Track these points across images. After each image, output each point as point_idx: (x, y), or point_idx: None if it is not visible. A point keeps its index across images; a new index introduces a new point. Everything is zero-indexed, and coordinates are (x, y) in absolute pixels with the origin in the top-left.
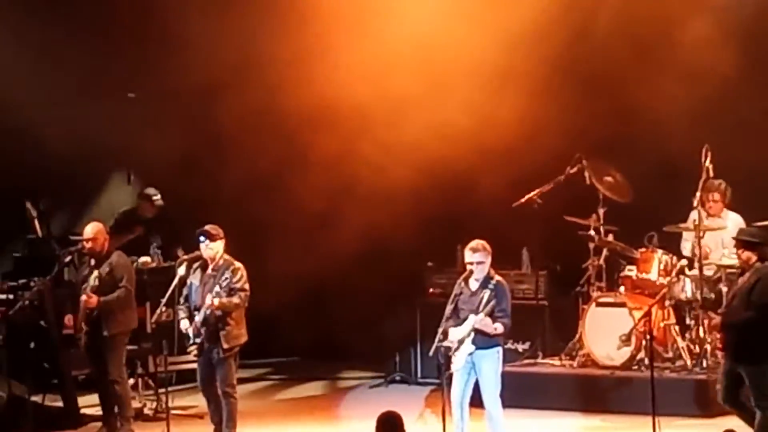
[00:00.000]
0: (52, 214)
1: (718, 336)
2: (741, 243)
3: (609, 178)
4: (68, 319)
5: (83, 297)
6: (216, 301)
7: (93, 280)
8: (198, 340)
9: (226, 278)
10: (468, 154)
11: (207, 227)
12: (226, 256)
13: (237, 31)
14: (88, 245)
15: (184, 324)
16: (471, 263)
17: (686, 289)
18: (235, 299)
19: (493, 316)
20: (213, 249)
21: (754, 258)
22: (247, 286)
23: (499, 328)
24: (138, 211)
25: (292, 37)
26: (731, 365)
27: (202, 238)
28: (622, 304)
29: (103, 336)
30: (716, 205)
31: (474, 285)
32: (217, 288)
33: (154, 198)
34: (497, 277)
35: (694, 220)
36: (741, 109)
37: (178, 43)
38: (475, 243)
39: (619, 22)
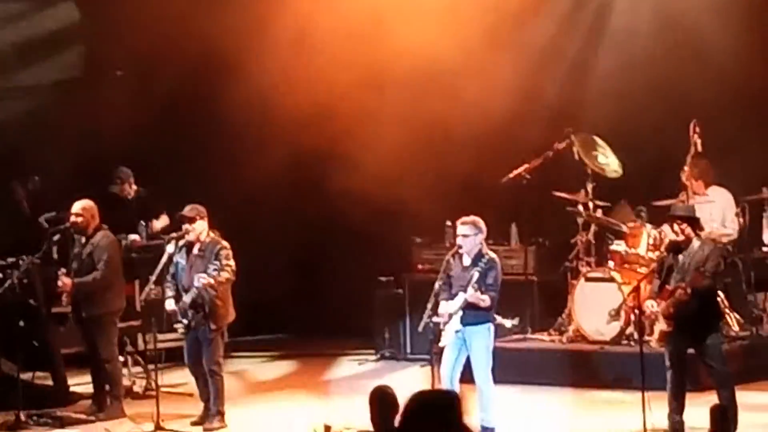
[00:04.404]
0: (40, 193)
1: (666, 319)
2: (682, 218)
3: (597, 153)
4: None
5: (59, 283)
6: (212, 280)
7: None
8: (186, 320)
9: (215, 267)
10: (456, 130)
11: (185, 210)
12: (212, 234)
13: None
14: (74, 219)
15: (170, 304)
16: (458, 236)
17: None
18: (225, 274)
19: (481, 290)
20: (195, 230)
21: (690, 231)
22: (232, 262)
23: (486, 299)
24: (118, 193)
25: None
26: (682, 345)
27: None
28: (611, 279)
29: (83, 317)
30: (692, 184)
31: (466, 260)
32: (211, 270)
33: (130, 180)
34: (490, 254)
35: (683, 194)
36: (731, 82)
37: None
38: (467, 217)
39: None
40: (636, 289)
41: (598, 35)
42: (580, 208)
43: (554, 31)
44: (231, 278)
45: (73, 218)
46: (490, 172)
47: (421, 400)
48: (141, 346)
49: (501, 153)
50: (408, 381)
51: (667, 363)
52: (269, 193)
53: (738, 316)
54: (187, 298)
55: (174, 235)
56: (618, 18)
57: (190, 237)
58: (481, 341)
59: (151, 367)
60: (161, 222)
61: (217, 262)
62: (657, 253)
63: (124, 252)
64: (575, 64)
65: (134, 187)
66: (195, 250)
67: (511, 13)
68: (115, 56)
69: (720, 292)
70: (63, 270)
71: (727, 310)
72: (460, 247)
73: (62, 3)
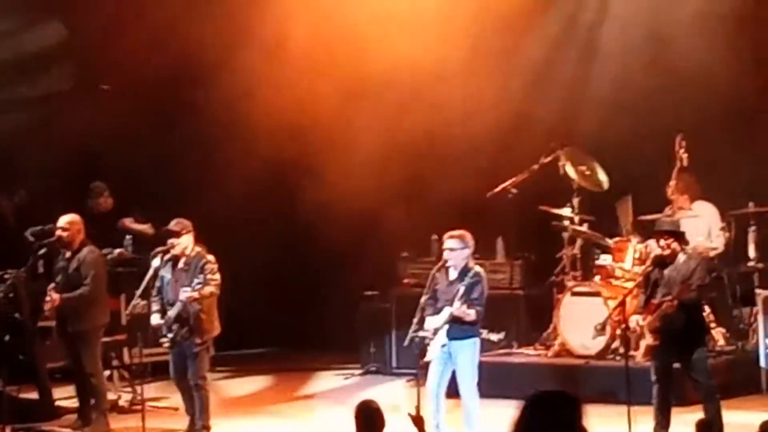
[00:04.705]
0: (27, 206)
1: (652, 333)
2: (668, 233)
3: (583, 168)
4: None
5: (47, 298)
6: (196, 294)
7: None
8: (171, 335)
9: (199, 281)
10: (443, 145)
11: (171, 224)
12: (198, 249)
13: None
14: (60, 234)
15: (155, 318)
16: (444, 249)
17: None
18: (209, 288)
19: (467, 304)
20: (180, 244)
21: (676, 246)
22: (217, 276)
23: (471, 314)
24: (93, 208)
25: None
26: (668, 359)
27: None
28: (597, 294)
29: (69, 332)
30: (678, 199)
31: (453, 274)
32: (194, 284)
33: (105, 193)
34: (476, 268)
35: (668, 209)
36: (716, 97)
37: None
38: (455, 231)
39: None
40: (622, 304)
41: (586, 50)
42: (566, 222)
43: (542, 44)
44: (215, 292)
45: (59, 232)
46: (476, 186)
47: (540, 400)
48: (127, 360)
49: (487, 167)
50: (394, 395)
51: (653, 377)
52: (254, 206)
53: (724, 331)
54: (171, 312)
55: (160, 249)
56: (607, 33)
57: (176, 251)
58: (467, 355)
59: (136, 381)
60: (140, 225)
61: (201, 276)
62: (643, 267)
63: (110, 266)
64: (562, 78)
65: (110, 200)
66: (180, 264)
67: (498, 25)
68: (101, 71)
69: (706, 307)
70: (53, 285)
71: (712, 325)
72: (446, 260)
73: (50, 21)
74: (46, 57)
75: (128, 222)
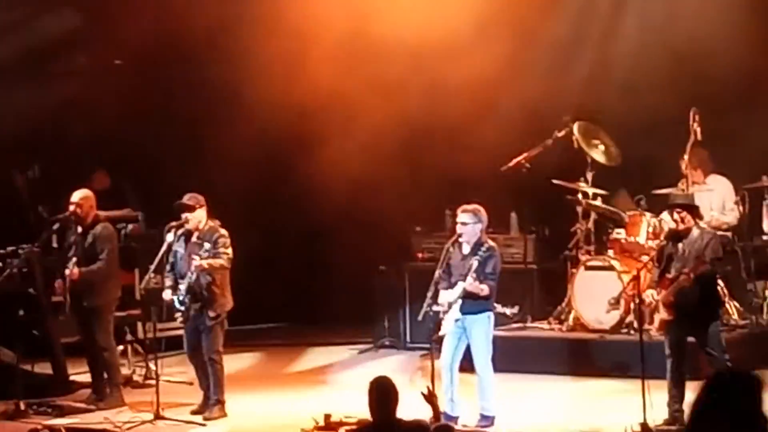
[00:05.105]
0: (41, 182)
1: (666, 308)
2: (682, 206)
3: (597, 142)
4: (59, 284)
5: (66, 271)
6: (205, 263)
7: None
8: (183, 308)
9: (207, 249)
10: (456, 119)
11: (184, 198)
12: (211, 223)
13: None
14: (73, 209)
15: (168, 294)
16: (457, 223)
17: None
18: (219, 261)
19: (480, 279)
20: (194, 219)
21: (690, 219)
22: (230, 250)
23: (485, 288)
24: (93, 185)
25: None
26: (682, 333)
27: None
28: (611, 268)
29: (84, 306)
30: (691, 173)
31: (466, 249)
32: (202, 252)
33: (101, 172)
34: (489, 243)
35: (682, 183)
36: (731, 70)
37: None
38: (468, 205)
39: None
40: (636, 278)
41: (603, 25)
42: (580, 196)
43: (557, 19)
44: (226, 266)
45: (72, 207)
46: (489, 161)
47: (719, 382)
48: (141, 335)
49: (501, 141)
50: (407, 370)
51: (667, 351)
52: (265, 179)
53: (738, 305)
54: (184, 285)
55: (174, 224)
56: (623, 9)
57: (189, 226)
58: (481, 330)
59: (150, 356)
60: (115, 213)
61: (210, 245)
62: (656, 241)
63: (123, 241)
64: (576, 53)
65: (105, 179)
66: (194, 239)
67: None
68: (112, 51)
69: (720, 281)
70: (75, 260)
71: (726, 299)
72: (459, 235)
73: (64, 8)
74: (60, 40)
75: (102, 213)
